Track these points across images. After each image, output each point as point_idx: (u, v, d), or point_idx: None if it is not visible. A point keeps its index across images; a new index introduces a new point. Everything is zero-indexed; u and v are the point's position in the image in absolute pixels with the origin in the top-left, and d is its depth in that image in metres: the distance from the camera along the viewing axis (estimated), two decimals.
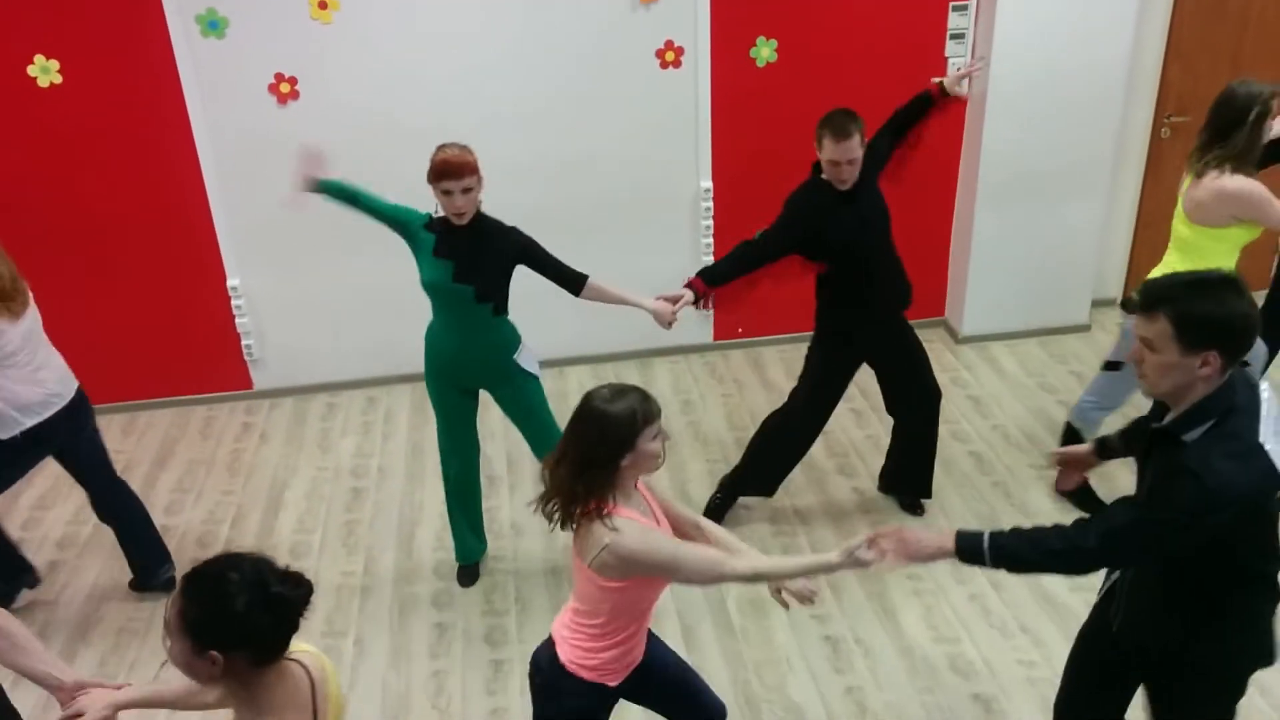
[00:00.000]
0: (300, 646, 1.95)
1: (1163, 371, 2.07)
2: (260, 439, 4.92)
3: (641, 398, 2.33)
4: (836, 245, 3.70)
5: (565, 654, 2.49)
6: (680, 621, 3.70)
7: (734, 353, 5.47)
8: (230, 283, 4.96)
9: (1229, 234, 3.57)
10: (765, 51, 4.90)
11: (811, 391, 3.98)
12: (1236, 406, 2.07)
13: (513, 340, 3.77)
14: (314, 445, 4.85)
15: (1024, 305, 5.44)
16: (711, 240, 5.23)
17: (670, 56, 4.84)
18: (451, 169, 3.42)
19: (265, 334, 5.12)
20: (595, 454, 2.27)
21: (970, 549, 2.21)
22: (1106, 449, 2.61)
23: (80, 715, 2.18)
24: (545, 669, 2.54)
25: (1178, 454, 2.07)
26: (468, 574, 3.96)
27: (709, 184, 5.11)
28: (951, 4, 4.91)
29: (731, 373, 5.31)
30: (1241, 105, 3.47)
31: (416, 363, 5.29)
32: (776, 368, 5.31)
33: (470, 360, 3.74)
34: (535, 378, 3.82)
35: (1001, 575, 3.81)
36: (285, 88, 4.63)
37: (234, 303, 4.99)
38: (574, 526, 2.36)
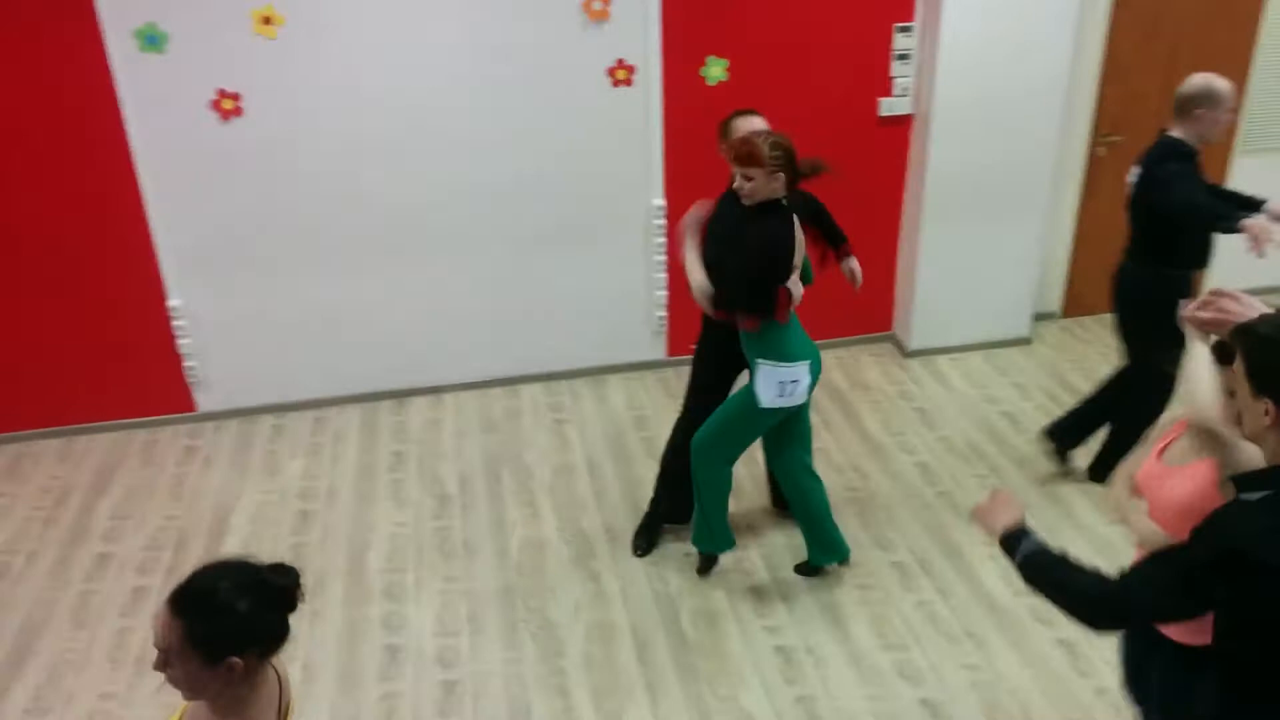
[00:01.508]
0: None
1: (1244, 413, 1.93)
2: (204, 463, 4.83)
3: None
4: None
5: None
6: (634, 637, 3.68)
7: (687, 369, 5.46)
8: (171, 302, 4.87)
9: None
10: (716, 70, 4.95)
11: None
12: None
13: (773, 348, 3.45)
14: (260, 468, 4.77)
15: (968, 320, 5.53)
16: (665, 257, 5.25)
17: (622, 75, 4.87)
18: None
19: (209, 355, 5.03)
20: None
21: (1009, 541, 2.14)
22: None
23: None
24: None
25: (1228, 506, 1.93)
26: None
27: (662, 201, 5.14)
28: (897, 25, 5.00)
29: (684, 388, 5.30)
30: None
31: (365, 382, 5.28)
32: None
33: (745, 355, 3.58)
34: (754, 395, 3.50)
35: (949, 583, 3.87)
36: (228, 104, 4.58)
37: (175, 323, 4.90)
38: None
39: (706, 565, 4.00)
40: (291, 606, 1.89)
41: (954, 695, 3.37)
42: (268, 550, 4.18)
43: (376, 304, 5.10)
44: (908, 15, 4.97)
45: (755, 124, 3.54)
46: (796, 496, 3.80)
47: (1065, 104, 5.16)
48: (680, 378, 5.37)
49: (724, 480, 3.76)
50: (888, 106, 5.13)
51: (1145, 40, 5.28)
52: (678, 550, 4.11)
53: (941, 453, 4.70)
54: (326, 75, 4.61)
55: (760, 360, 3.45)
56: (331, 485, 4.61)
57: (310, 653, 3.66)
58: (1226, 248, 4.11)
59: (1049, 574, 2.06)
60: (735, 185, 3.38)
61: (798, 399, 3.50)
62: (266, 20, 4.48)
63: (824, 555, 3.88)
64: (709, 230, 3.54)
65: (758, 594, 3.87)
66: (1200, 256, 3.97)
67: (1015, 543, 2.12)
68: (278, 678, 1.98)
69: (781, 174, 3.33)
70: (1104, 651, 3.49)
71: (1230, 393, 1.98)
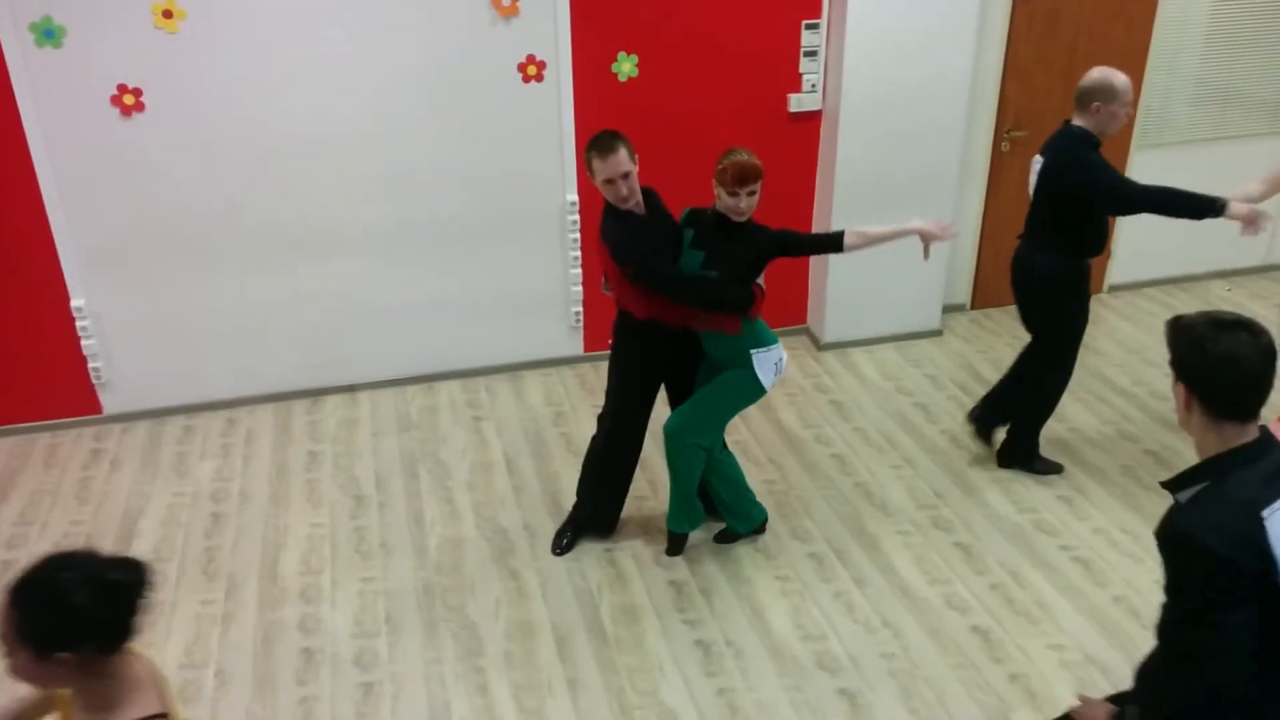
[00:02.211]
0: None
1: (1176, 400, 2.03)
2: (111, 465, 4.70)
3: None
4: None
5: None
6: (554, 633, 3.70)
7: (604, 364, 5.49)
8: (74, 303, 4.72)
9: None
10: (627, 66, 4.96)
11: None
12: (1241, 471, 1.95)
13: (755, 338, 3.71)
14: (170, 470, 4.66)
15: (881, 313, 5.65)
16: (579, 253, 5.26)
17: (532, 70, 4.86)
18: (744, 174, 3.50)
19: (114, 356, 4.89)
20: None
21: None
22: None
23: None
24: None
25: (1169, 515, 2.01)
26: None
27: (575, 197, 5.14)
28: (804, 23, 5.08)
29: (601, 383, 5.31)
30: None
31: (278, 381, 5.19)
32: None
33: (714, 352, 3.79)
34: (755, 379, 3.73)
35: (865, 573, 3.96)
36: (129, 99, 4.45)
37: (79, 324, 4.75)
38: None
39: (678, 545, 4.10)
40: (133, 603, 1.83)
41: (872, 684, 3.46)
42: (178, 553, 4.10)
43: (288, 301, 5.02)
44: (815, 12, 5.06)
45: (623, 158, 3.56)
46: (720, 468, 4.00)
47: (969, 100, 5.31)
48: (598, 373, 5.41)
49: (700, 462, 3.91)
50: (797, 103, 5.21)
51: (1044, 37, 5.45)
52: (597, 546, 4.14)
53: (857, 444, 4.80)
54: (230, 70, 4.52)
55: (752, 351, 3.68)
56: (244, 487, 4.53)
57: (224, 658, 3.60)
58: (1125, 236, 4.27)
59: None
60: (731, 204, 3.54)
61: (783, 374, 3.83)
62: (167, 14, 4.37)
63: (743, 523, 4.10)
64: (695, 246, 3.68)
65: (677, 588, 3.91)
66: (1100, 244, 4.11)
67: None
68: (149, 664, 1.93)
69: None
70: (1017, 638, 3.62)
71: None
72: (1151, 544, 4.00)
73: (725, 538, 4.14)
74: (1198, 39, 5.73)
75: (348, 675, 3.53)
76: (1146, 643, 2.26)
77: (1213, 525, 1.91)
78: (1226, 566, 1.89)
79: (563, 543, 4.12)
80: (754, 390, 3.76)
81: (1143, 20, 5.58)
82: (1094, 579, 3.89)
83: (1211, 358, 1.94)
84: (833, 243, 3.64)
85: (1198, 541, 1.90)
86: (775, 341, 3.76)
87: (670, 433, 3.84)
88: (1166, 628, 2.07)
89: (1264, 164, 5.95)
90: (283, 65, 4.56)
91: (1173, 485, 2.07)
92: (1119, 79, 3.90)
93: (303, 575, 3.99)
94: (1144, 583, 3.88)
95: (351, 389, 5.26)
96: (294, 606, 3.83)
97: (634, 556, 4.08)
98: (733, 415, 3.90)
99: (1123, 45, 5.56)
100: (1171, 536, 1.99)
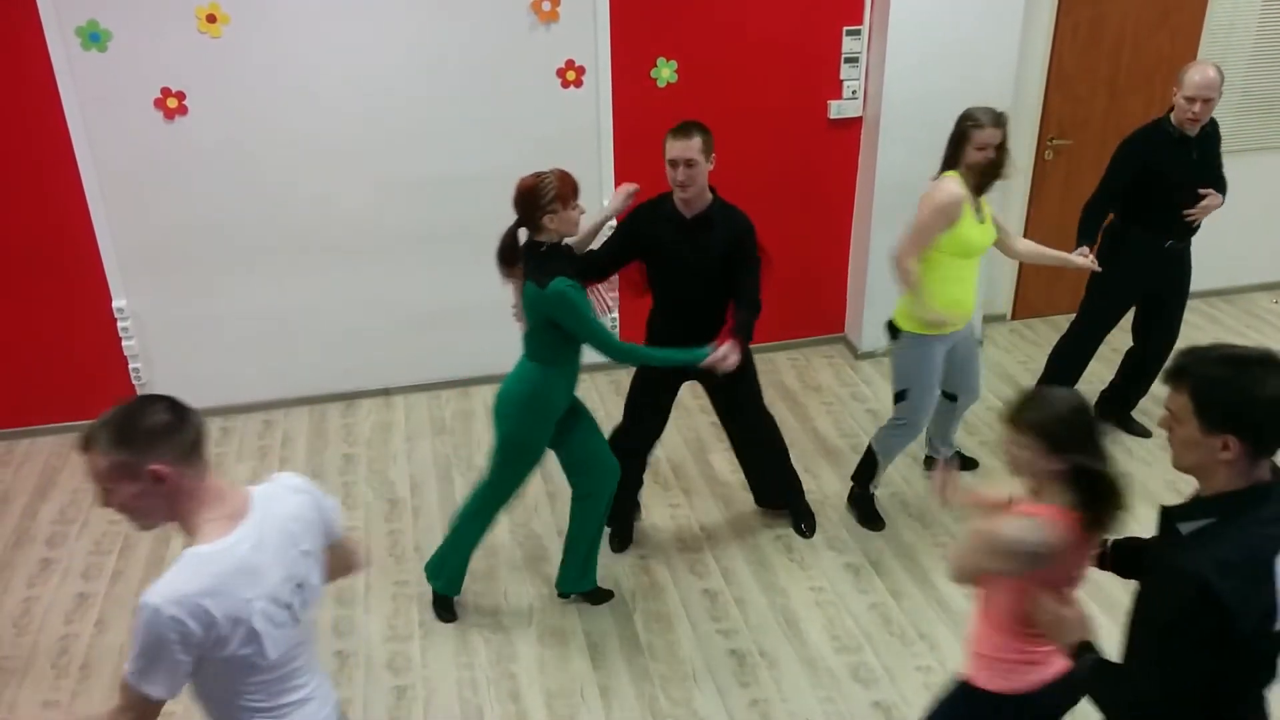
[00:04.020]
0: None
1: (1185, 448, 1.90)
2: None
3: None
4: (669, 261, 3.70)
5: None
6: (587, 640, 3.67)
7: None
8: (116, 304, 4.77)
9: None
10: (666, 72, 4.95)
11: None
12: (1255, 510, 1.86)
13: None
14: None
15: None
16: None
17: (571, 76, 4.86)
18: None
19: (154, 357, 4.94)
20: None
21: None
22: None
23: None
24: None
25: (1169, 546, 1.94)
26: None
27: None
28: (845, 29, 5.04)
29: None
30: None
31: (314, 385, 5.21)
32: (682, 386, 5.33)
33: None
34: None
35: (901, 584, 3.91)
36: (173, 102, 4.49)
37: (120, 324, 4.81)
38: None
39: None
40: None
41: (907, 697, 3.40)
42: None
43: (325, 305, 5.04)
44: (857, 19, 5.02)
45: (694, 145, 3.54)
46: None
47: (1012, 108, 5.23)
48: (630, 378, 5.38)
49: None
50: (837, 109, 5.17)
51: (1088, 45, 5.37)
52: (631, 554, 4.11)
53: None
54: (272, 75, 4.55)
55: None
56: None
57: None
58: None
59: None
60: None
61: None
62: (211, 18, 4.41)
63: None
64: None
65: (711, 598, 3.88)
66: (1151, 224, 4.44)
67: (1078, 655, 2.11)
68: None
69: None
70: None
71: (1167, 425, 1.95)
72: None
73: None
74: (1245, 46, 5.63)
75: (380, 679, 3.53)
76: None
77: (1221, 567, 1.78)
78: (1225, 618, 1.77)
79: (615, 543, 4.13)
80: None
81: (1189, 28, 5.48)
82: None
83: (1266, 401, 1.81)
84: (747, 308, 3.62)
85: (1207, 585, 1.76)
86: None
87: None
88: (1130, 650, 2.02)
89: None
90: (323, 69, 4.59)
91: (1177, 514, 1.95)
92: (1189, 69, 4.07)
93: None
94: None
95: (386, 393, 5.28)
96: (328, 609, 3.84)
97: (668, 565, 4.05)
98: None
99: (1168, 53, 5.47)
100: (1172, 571, 1.87)
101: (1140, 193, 4.32)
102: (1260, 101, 5.76)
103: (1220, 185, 4.35)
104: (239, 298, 4.91)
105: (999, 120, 3.74)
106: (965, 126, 3.78)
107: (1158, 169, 4.26)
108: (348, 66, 4.62)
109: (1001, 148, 3.73)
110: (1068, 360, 4.73)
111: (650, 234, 3.69)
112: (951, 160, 3.84)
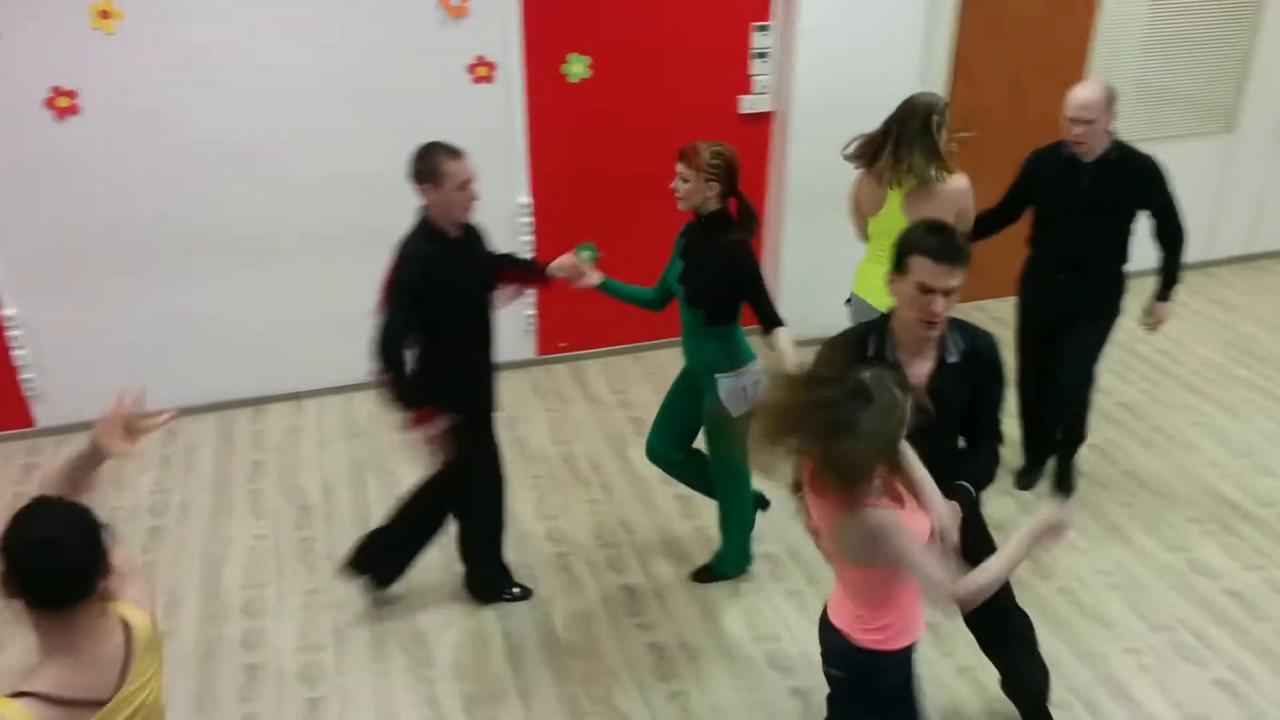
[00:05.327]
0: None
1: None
2: (44, 480, 4.54)
3: None
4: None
5: None
6: (505, 641, 3.63)
7: (557, 367, 5.46)
8: (6, 312, 4.57)
9: None
10: (578, 68, 4.92)
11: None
12: None
13: (725, 359, 3.51)
14: (106, 483, 4.50)
15: (834, 311, 5.63)
16: (533, 255, 5.19)
17: (482, 71, 4.80)
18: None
19: (48, 366, 4.74)
20: None
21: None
22: None
23: None
24: None
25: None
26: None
27: (527, 199, 5.09)
28: (754, 25, 5.08)
29: (555, 387, 5.29)
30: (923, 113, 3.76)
31: (220, 391, 5.05)
32: (599, 381, 5.33)
33: (691, 362, 3.65)
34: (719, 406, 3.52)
35: (816, 570, 3.94)
36: (64, 101, 4.32)
37: (10, 333, 4.61)
38: None
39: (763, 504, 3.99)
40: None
41: (824, 684, 3.41)
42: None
43: (231, 309, 4.90)
44: (764, 15, 5.05)
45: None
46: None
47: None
48: (550, 376, 5.37)
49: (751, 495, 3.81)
50: (748, 104, 5.20)
51: (991, 40, 5.49)
52: (550, 551, 4.08)
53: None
54: (170, 72, 4.41)
55: (718, 376, 3.49)
56: (184, 499, 4.41)
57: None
58: None
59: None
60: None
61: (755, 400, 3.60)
62: (104, 14, 4.26)
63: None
64: (681, 255, 3.56)
65: (630, 592, 3.87)
66: (1036, 243, 4.20)
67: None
68: (125, 629, 1.95)
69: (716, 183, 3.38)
70: (965, 632, 3.60)
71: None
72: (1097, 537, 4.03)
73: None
74: (1137, 41, 5.82)
75: (293, 691, 3.44)
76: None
77: None
78: None
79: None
80: (726, 419, 3.49)
81: (1084, 22, 5.65)
82: (1037, 571, 3.91)
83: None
84: (769, 322, 3.47)
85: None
86: (751, 359, 3.54)
87: (721, 473, 3.70)
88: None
89: (1196, 163, 6.08)
90: (224, 67, 4.46)
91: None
92: (1073, 88, 3.81)
93: (245, 589, 3.89)
94: (1086, 572, 3.91)
95: (296, 397, 5.15)
96: (236, 621, 3.73)
97: (587, 562, 4.03)
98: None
99: (1067, 48, 5.63)
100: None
101: (1036, 214, 4.07)
102: (1153, 93, 5.95)
103: (1115, 220, 3.93)
104: (138, 303, 4.74)
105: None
106: (940, 118, 3.76)
107: (1043, 190, 3.99)
108: (250, 64, 4.49)
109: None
110: (1020, 408, 4.39)
111: None
112: (934, 151, 3.76)
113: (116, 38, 4.30)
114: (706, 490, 3.86)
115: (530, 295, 3.76)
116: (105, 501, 4.38)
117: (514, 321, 5.31)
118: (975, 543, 2.69)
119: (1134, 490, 4.43)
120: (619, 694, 3.41)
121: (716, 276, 3.42)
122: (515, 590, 3.81)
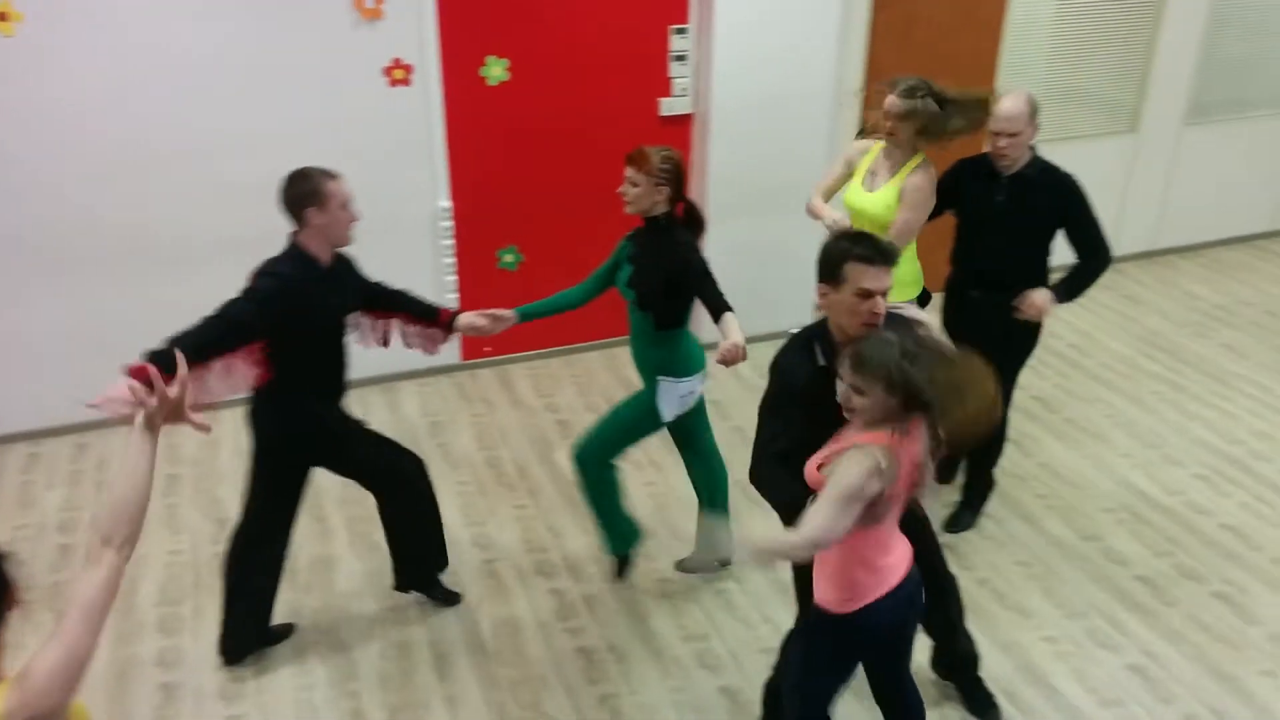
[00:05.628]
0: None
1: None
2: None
3: None
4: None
5: None
6: (432, 650, 3.59)
7: (482, 372, 5.42)
8: None
9: None
10: (497, 70, 4.89)
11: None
12: None
13: (672, 364, 3.50)
14: (12, 501, 4.35)
15: (757, 312, 5.65)
16: (454, 260, 5.16)
17: (399, 74, 4.74)
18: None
19: None
20: None
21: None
22: None
23: None
24: None
25: None
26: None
27: (448, 203, 5.04)
28: (673, 27, 5.10)
29: (480, 392, 5.24)
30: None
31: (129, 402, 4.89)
32: (525, 384, 5.30)
33: (638, 366, 3.63)
34: (659, 410, 3.55)
35: (742, 569, 3.96)
36: None
37: None
38: None
39: (623, 567, 3.91)
40: None
41: (752, 680, 3.45)
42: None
43: (142, 317, 4.72)
44: (682, 17, 5.08)
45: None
46: (707, 487, 3.85)
47: (834, 103, 5.41)
48: (476, 381, 5.32)
49: (613, 479, 3.73)
50: (668, 106, 5.23)
51: (903, 42, 5.60)
52: (476, 558, 4.05)
53: (735, 442, 4.80)
54: (73, 75, 4.27)
55: (660, 377, 3.50)
56: (95, 516, 4.26)
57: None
58: None
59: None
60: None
61: (692, 406, 3.61)
62: (2, 16, 4.10)
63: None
64: (629, 260, 3.54)
65: (559, 597, 3.85)
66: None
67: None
68: None
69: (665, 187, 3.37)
70: None
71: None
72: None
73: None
74: (1044, 43, 5.99)
75: (212, 710, 3.35)
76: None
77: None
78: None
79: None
80: (653, 419, 3.56)
81: (992, 24, 5.79)
82: (961, 562, 4.00)
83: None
84: (718, 309, 3.37)
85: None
86: (699, 370, 3.55)
87: (580, 457, 3.65)
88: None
89: (1102, 162, 6.28)
90: (129, 70, 4.33)
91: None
92: (1000, 99, 3.79)
93: (161, 606, 3.78)
94: (1004, 563, 4.01)
95: (212, 407, 5.01)
96: (151, 640, 3.62)
97: (515, 568, 4.00)
98: (634, 441, 3.68)
99: (976, 49, 5.77)
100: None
101: (956, 228, 3.96)
102: (1060, 94, 6.13)
103: (1028, 237, 3.79)
104: (44, 312, 4.58)
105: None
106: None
107: (963, 201, 3.88)
108: (157, 67, 4.37)
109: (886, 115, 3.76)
110: None
111: None
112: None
113: (16, 40, 4.15)
114: (600, 508, 3.77)
115: (438, 345, 3.60)
116: (10, 521, 4.26)
117: None
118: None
119: (1049, 482, 4.56)
120: (548, 699, 3.40)
121: (667, 278, 3.41)
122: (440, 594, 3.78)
